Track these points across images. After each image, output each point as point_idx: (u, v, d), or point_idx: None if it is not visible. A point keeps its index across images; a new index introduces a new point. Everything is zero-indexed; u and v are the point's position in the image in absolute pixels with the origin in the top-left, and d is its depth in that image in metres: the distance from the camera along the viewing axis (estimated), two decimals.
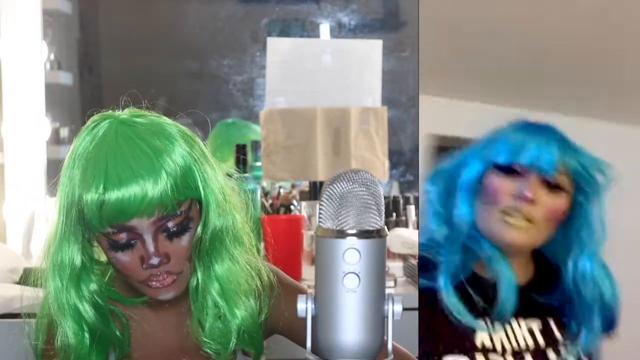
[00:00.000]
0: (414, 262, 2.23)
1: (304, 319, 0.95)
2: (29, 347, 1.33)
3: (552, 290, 1.30)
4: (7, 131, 2.67)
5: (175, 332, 1.34)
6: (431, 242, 1.28)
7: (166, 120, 1.26)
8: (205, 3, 3.63)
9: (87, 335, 1.27)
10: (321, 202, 0.94)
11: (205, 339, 1.29)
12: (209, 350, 1.29)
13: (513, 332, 1.26)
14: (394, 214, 2.77)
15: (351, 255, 0.91)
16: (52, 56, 3.09)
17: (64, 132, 3.31)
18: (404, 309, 0.94)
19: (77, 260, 1.26)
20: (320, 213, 0.94)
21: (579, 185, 1.29)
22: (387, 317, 0.93)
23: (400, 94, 3.56)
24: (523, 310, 1.27)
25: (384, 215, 0.94)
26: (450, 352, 1.22)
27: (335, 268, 0.91)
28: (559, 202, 1.27)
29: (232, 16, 3.63)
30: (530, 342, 1.27)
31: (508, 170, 1.27)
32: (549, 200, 1.26)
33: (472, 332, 1.23)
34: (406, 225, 2.72)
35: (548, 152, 1.26)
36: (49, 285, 1.26)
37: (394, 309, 0.93)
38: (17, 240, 2.60)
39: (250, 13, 3.63)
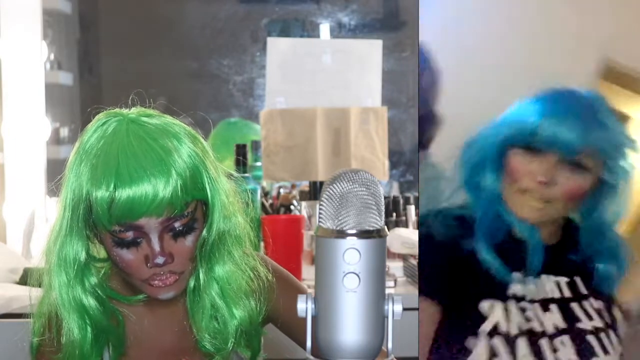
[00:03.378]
0: (414, 262, 2.23)
1: (300, 317, 0.95)
2: (28, 350, 1.33)
3: (578, 249, 1.35)
4: (7, 131, 2.67)
5: (171, 331, 1.34)
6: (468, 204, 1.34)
7: (172, 120, 1.27)
8: (205, 3, 3.64)
9: (90, 329, 1.27)
10: (321, 202, 0.94)
11: (203, 338, 1.29)
12: (209, 348, 1.30)
13: (542, 285, 1.33)
14: (394, 214, 2.78)
15: (351, 255, 0.91)
16: (52, 56, 3.09)
17: (64, 132, 3.31)
18: (404, 309, 0.94)
19: (82, 255, 1.26)
20: (320, 213, 0.94)
21: (605, 164, 1.28)
22: (387, 317, 0.93)
23: (400, 94, 3.56)
24: (553, 267, 1.34)
25: (384, 215, 0.94)
26: (486, 297, 1.30)
27: (335, 268, 0.91)
28: (580, 182, 1.28)
29: (232, 16, 3.63)
30: (557, 294, 1.34)
31: (529, 147, 1.27)
32: (569, 181, 1.27)
33: (506, 283, 1.31)
34: (406, 225, 2.72)
35: (567, 131, 1.25)
36: (54, 280, 1.26)
37: (394, 309, 0.93)
38: (17, 240, 2.60)
39: (250, 13, 3.64)
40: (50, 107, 2.85)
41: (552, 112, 1.27)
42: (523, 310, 1.31)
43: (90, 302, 1.27)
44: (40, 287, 1.30)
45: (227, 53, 3.62)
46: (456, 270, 1.31)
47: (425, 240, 1.34)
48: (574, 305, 1.34)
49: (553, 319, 1.32)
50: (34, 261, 1.31)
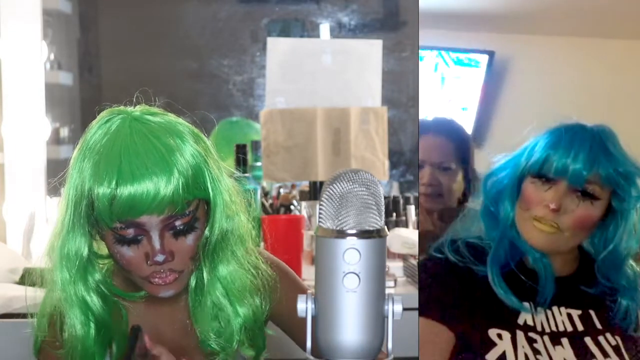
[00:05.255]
0: (414, 262, 2.23)
1: (301, 317, 0.95)
2: (29, 347, 1.33)
3: (594, 282, 1.36)
4: (7, 131, 2.67)
5: (173, 329, 1.35)
6: (485, 236, 1.36)
7: (176, 119, 1.27)
8: (205, 3, 3.63)
9: (92, 325, 1.28)
10: (321, 202, 0.94)
11: (208, 338, 1.30)
12: (214, 347, 1.30)
13: (554, 317, 1.33)
14: (394, 214, 2.77)
15: (351, 255, 0.91)
16: (52, 56, 3.08)
17: (64, 132, 3.30)
18: (404, 309, 0.94)
19: (85, 252, 1.27)
20: (320, 213, 0.94)
21: (615, 192, 1.31)
22: (387, 317, 0.93)
23: (400, 94, 3.56)
24: (566, 299, 1.34)
25: (384, 215, 0.94)
26: (496, 325, 1.29)
27: (335, 268, 0.91)
28: (590, 211, 1.30)
29: (232, 16, 3.62)
30: (569, 328, 1.32)
31: (542, 177, 1.31)
32: (579, 209, 1.30)
33: (516, 311, 1.31)
34: (406, 225, 2.72)
35: (574, 160, 1.28)
36: (57, 277, 1.27)
37: (394, 309, 0.93)
38: (17, 240, 2.60)
39: (250, 13, 3.63)
40: (50, 107, 2.84)
41: (560, 143, 1.31)
42: (532, 341, 1.29)
43: (92, 298, 1.28)
44: (35, 286, 1.31)
45: (227, 53, 3.61)
46: (468, 295, 1.32)
47: (437, 266, 1.35)
48: (588, 340, 1.32)
49: (564, 354, 1.30)
50: (34, 261, 1.31)
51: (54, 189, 1.29)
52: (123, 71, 3.58)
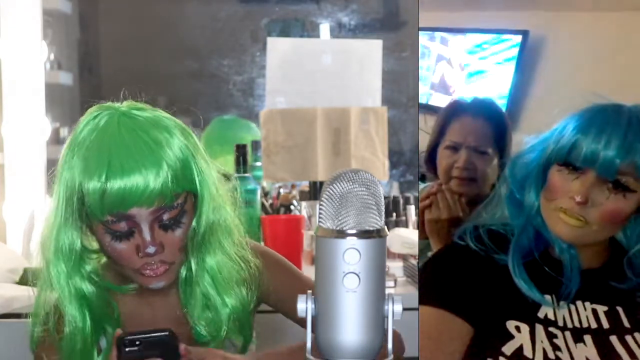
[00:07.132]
0: (414, 262, 2.22)
1: (301, 317, 0.95)
2: (28, 347, 1.33)
3: (625, 277, 1.25)
4: (7, 131, 2.67)
5: (165, 321, 1.36)
6: (508, 222, 1.28)
7: (163, 113, 1.30)
8: (205, 3, 3.63)
9: (88, 315, 1.30)
10: (321, 202, 0.94)
11: (195, 327, 1.32)
12: (203, 335, 1.32)
13: (577, 312, 1.23)
14: (394, 214, 2.77)
15: (351, 255, 0.91)
16: (52, 56, 3.08)
17: (64, 132, 3.30)
18: (404, 309, 0.94)
19: (78, 246, 1.29)
20: (320, 213, 0.94)
21: None
22: (387, 317, 0.93)
23: (400, 94, 3.56)
24: (592, 294, 1.24)
25: (384, 215, 0.94)
26: (514, 317, 1.21)
27: (335, 268, 0.91)
28: (621, 205, 1.19)
29: (232, 16, 3.63)
30: (594, 325, 1.23)
31: (569, 165, 1.21)
32: (609, 202, 1.19)
33: (537, 304, 1.22)
34: (406, 225, 2.72)
35: (605, 148, 1.17)
36: (52, 270, 1.28)
37: (394, 309, 0.93)
38: (17, 240, 2.60)
39: (250, 13, 3.63)
40: (50, 107, 2.84)
41: (591, 127, 1.19)
42: (552, 336, 1.20)
43: (88, 288, 1.30)
44: (35, 286, 1.31)
45: (227, 53, 3.61)
46: (487, 285, 1.24)
47: (457, 253, 1.28)
48: (613, 339, 1.21)
49: (586, 352, 1.20)
50: (34, 261, 1.32)
51: (52, 183, 1.31)
52: (123, 71, 3.58)
